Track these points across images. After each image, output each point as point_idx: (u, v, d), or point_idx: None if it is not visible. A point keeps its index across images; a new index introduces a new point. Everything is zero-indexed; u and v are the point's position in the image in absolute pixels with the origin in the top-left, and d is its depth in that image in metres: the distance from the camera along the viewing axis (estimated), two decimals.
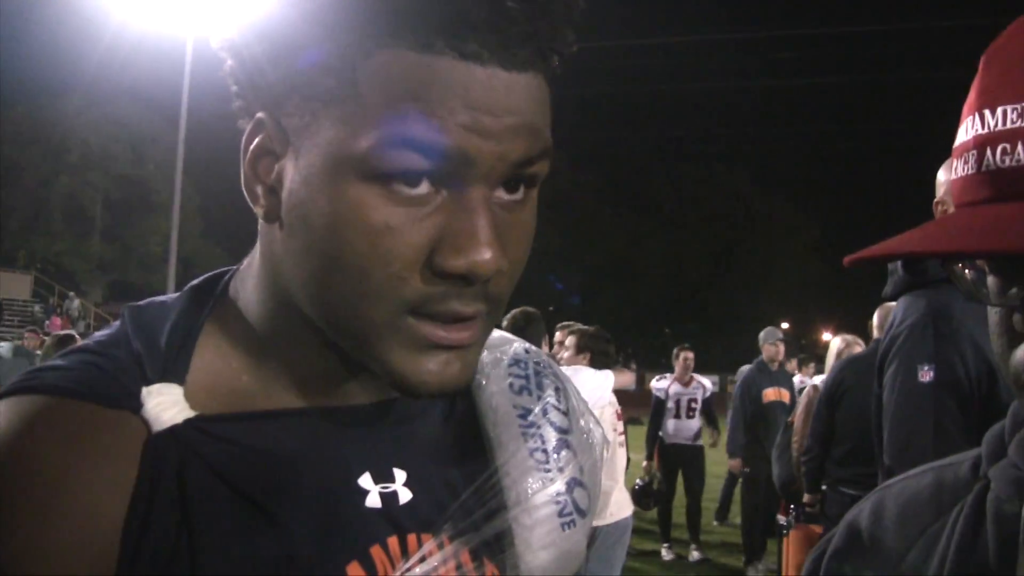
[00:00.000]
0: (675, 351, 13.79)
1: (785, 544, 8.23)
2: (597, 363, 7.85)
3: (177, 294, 1.20)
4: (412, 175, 0.99)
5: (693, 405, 13.18)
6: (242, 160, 1.08)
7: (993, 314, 1.07)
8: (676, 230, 60.32)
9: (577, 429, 1.35)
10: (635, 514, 8.66)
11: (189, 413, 1.06)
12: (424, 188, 1.00)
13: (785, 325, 66.87)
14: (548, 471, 1.27)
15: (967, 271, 1.09)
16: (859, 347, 8.77)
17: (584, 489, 1.31)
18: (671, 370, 13.64)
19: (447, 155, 0.98)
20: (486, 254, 1.00)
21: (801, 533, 7.88)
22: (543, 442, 1.29)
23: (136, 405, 1.05)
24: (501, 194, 1.04)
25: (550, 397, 1.34)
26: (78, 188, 49.77)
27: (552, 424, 1.31)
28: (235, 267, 1.23)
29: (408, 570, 1.12)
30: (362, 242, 1.00)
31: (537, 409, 1.31)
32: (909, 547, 1.24)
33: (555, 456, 1.29)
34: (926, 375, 4.46)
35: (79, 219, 51.09)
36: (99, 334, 1.14)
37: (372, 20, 0.96)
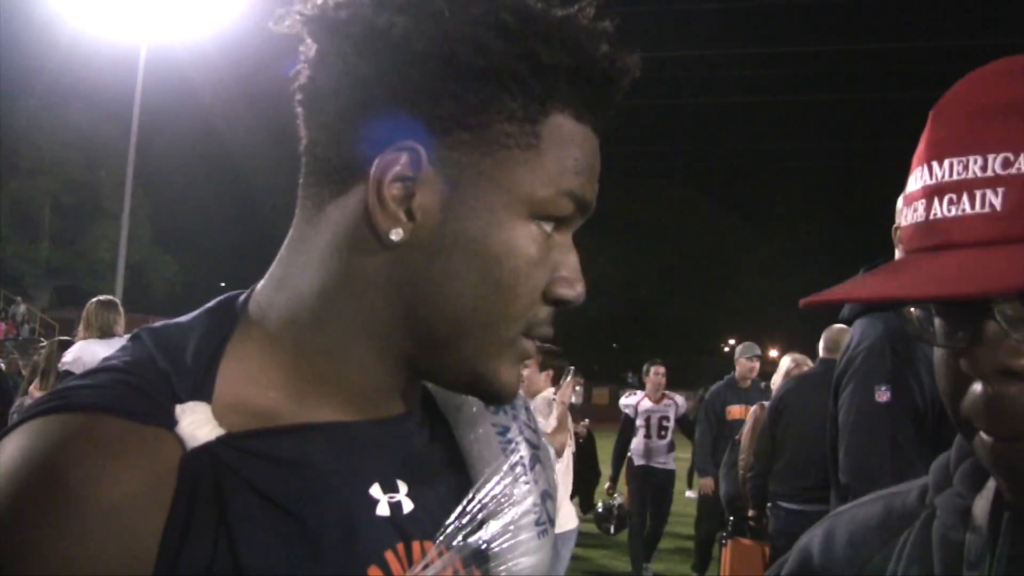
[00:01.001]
0: (645, 366, 12.83)
1: (724, 555, 8.44)
2: (556, 380, 7.96)
3: (191, 316, 1.25)
4: (562, 219, 1.21)
5: (665, 424, 12.41)
6: (375, 185, 1.16)
7: (939, 354, 1.11)
8: (627, 246, 60.58)
9: (543, 446, 1.47)
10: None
11: (220, 431, 1.11)
12: (551, 228, 1.21)
13: (732, 342, 67.39)
14: (527, 483, 1.38)
15: (916, 312, 1.13)
16: (808, 367, 8.88)
17: (552, 501, 1.43)
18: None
19: (585, 206, 1.22)
20: (584, 286, 1.24)
21: (736, 546, 8.11)
22: (521, 458, 1.40)
23: (170, 422, 1.09)
24: None
25: (522, 416, 1.46)
26: (28, 193, 49.39)
27: (526, 440, 1.43)
28: (246, 290, 1.29)
29: (419, 571, 1.20)
30: (523, 269, 1.18)
31: (514, 427, 1.43)
32: (859, 573, 1.28)
33: (531, 471, 1.40)
34: (883, 396, 4.53)
35: (28, 224, 50.71)
36: (117, 354, 1.18)
37: (552, 86, 1.16)
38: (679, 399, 12.87)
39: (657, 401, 12.50)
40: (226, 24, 31.04)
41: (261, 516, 1.09)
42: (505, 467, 1.37)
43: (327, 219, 1.21)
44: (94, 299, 9.12)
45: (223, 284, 73.81)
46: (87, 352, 9.13)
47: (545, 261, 1.20)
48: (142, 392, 1.11)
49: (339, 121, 1.19)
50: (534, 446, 1.44)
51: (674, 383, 13.20)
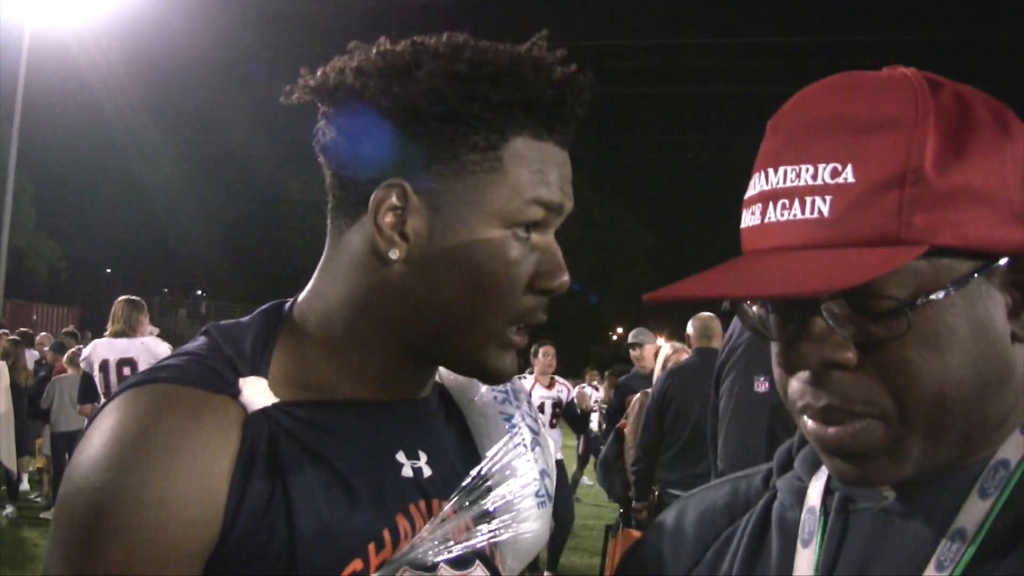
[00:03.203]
0: (534, 347, 12.01)
1: (611, 547, 8.44)
2: None
3: (248, 317, 1.58)
4: (534, 224, 1.46)
5: (557, 411, 11.78)
6: (373, 215, 1.45)
7: (774, 347, 1.19)
8: None
9: (542, 433, 1.79)
10: None
11: (274, 399, 1.44)
12: (526, 232, 1.46)
13: (620, 330, 67.52)
14: (528, 461, 1.69)
15: (753, 308, 1.21)
16: (686, 354, 8.87)
17: (550, 479, 1.73)
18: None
19: (555, 208, 1.48)
20: (567, 276, 1.50)
21: (625, 537, 8.02)
22: (523, 439, 1.72)
23: (235, 392, 1.42)
24: None
25: (524, 406, 1.79)
26: None
27: (528, 427, 1.75)
28: (293, 298, 1.60)
29: (435, 526, 1.50)
30: (502, 271, 1.45)
31: (517, 415, 1.75)
32: (705, 549, 1.38)
33: (532, 451, 1.71)
34: (761, 386, 4.68)
35: None
36: (190, 345, 1.52)
37: (507, 118, 1.43)
38: (567, 384, 12.28)
39: (548, 387, 11.84)
40: (112, 5, 30.44)
41: (308, 466, 1.41)
42: (510, 445, 1.69)
43: (347, 244, 1.51)
44: (122, 297, 9.53)
45: (108, 270, 72.16)
46: (95, 352, 9.78)
47: (525, 260, 1.46)
48: (212, 370, 1.44)
49: (342, 167, 1.50)
50: (535, 432, 1.76)
51: (563, 372, 12.54)
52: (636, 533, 7.92)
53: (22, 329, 17.30)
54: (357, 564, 1.41)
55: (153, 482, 1.31)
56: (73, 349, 14.90)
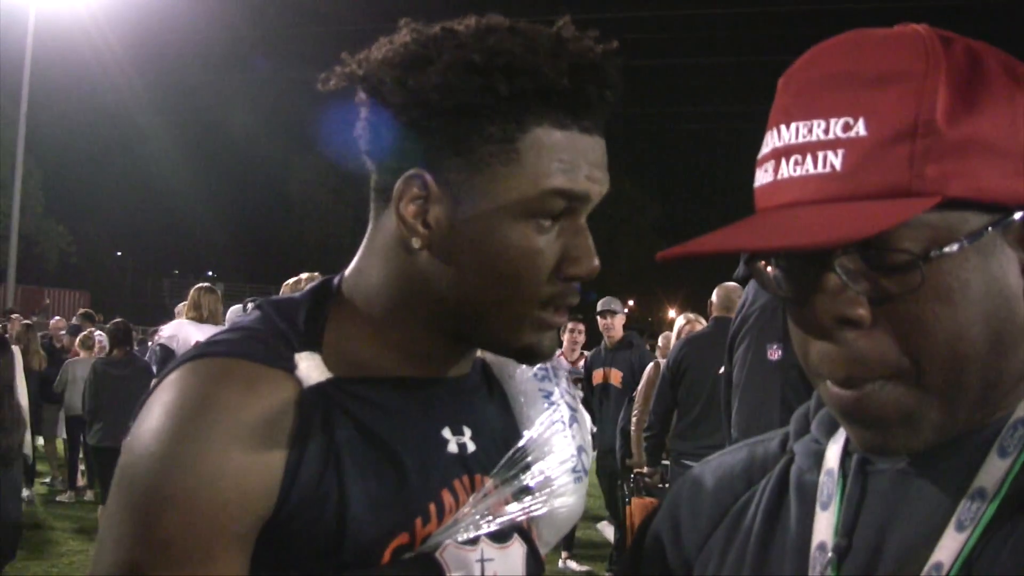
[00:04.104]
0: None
1: (628, 513, 8.51)
2: None
3: (300, 293, 1.60)
4: (556, 213, 1.46)
5: (580, 387, 10.60)
6: (396, 205, 1.48)
7: (790, 307, 1.18)
8: None
9: (580, 410, 1.82)
10: None
11: (329, 375, 1.47)
12: (554, 220, 1.46)
13: (631, 303, 67.42)
14: (566, 438, 1.73)
15: (769, 268, 1.20)
16: (700, 325, 8.89)
17: (586, 454, 1.77)
18: None
19: (579, 198, 1.46)
20: (596, 261, 1.50)
21: (640, 504, 8.12)
22: (562, 416, 1.75)
23: (290, 367, 1.45)
24: None
25: (563, 383, 1.82)
26: None
27: (567, 404, 1.79)
28: (339, 274, 1.63)
29: (478, 500, 1.55)
30: (521, 260, 1.45)
31: (556, 392, 1.79)
32: (724, 514, 1.37)
33: (570, 427, 1.75)
34: (775, 354, 4.67)
35: None
36: (243, 320, 1.55)
37: (523, 108, 1.42)
38: None
39: (574, 363, 11.78)
40: None
41: (360, 441, 1.45)
42: (548, 421, 1.73)
43: (382, 228, 1.54)
44: (199, 284, 9.84)
45: (119, 253, 72.31)
46: (182, 332, 9.94)
47: (548, 248, 1.47)
48: (267, 344, 1.47)
49: (370, 155, 1.53)
50: (573, 408, 1.79)
51: None
52: (651, 500, 7.97)
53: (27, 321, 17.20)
54: (403, 538, 1.45)
55: (211, 453, 1.34)
56: (85, 332, 14.93)
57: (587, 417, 1.86)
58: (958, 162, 1.05)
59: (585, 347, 12.20)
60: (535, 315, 1.50)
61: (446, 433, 1.57)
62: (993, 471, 1.12)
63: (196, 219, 67.07)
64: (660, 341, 11.85)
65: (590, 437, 1.83)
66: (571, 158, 1.45)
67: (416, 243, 1.48)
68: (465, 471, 1.57)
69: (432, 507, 1.49)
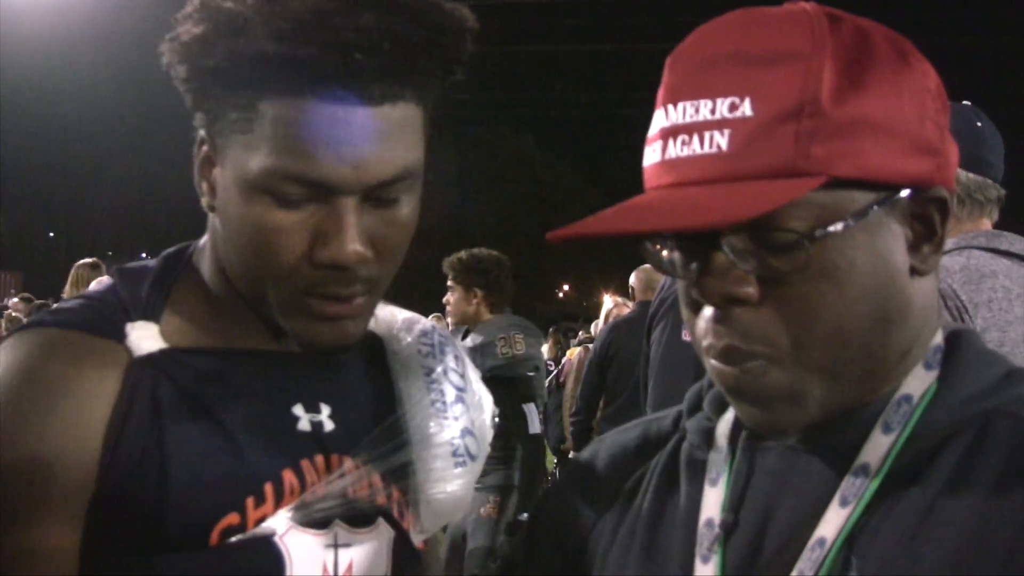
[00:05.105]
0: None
1: None
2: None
3: (154, 260, 1.53)
4: (293, 194, 1.32)
5: None
6: (194, 165, 1.43)
7: (680, 286, 1.19)
8: (461, 193, 60.25)
9: (471, 390, 1.69)
10: None
11: (163, 345, 1.41)
12: (302, 198, 1.33)
13: (566, 287, 67.59)
14: (446, 418, 1.61)
15: (658, 246, 1.19)
16: (628, 308, 8.91)
17: (474, 438, 1.64)
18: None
19: (314, 183, 1.32)
20: (349, 247, 1.34)
21: None
22: (443, 395, 1.63)
23: (121, 336, 1.39)
24: (373, 201, 1.37)
25: (450, 362, 1.68)
26: None
27: (451, 382, 1.65)
28: (197, 241, 1.55)
29: (331, 481, 1.45)
30: (260, 238, 1.35)
31: (439, 369, 1.65)
32: (617, 491, 1.38)
33: (452, 408, 1.62)
34: (689, 335, 4.72)
35: None
36: (91, 288, 1.53)
37: (262, 74, 1.29)
38: None
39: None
40: None
41: (188, 415, 1.38)
42: (427, 401, 1.61)
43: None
44: (81, 261, 9.58)
45: (51, 235, 71.49)
46: None
47: (294, 228, 1.35)
48: (100, 313, 1.42)
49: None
50: (459, 388, 1.66)
51: None
52: None
53: None
54: (233, 518, 1.38)
55: (28, 431, 1.31)
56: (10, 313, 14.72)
57: (486, 398, 1.73)
58: (844, 142, 1.06)
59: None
60: (301, 301, 1.40)
61: (297, 410, 1.48)
62: (877, 447, 1.13)
63: (131, 200, 66.44)
64: (593, 329, 11.82)
65: (483, 418, 1.70)
66: (310, 136, 1.31)
67: (204, 203, 1.45)
68: (320, 451, 1.48)
69: (269, 487, 1.41)
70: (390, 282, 1.48)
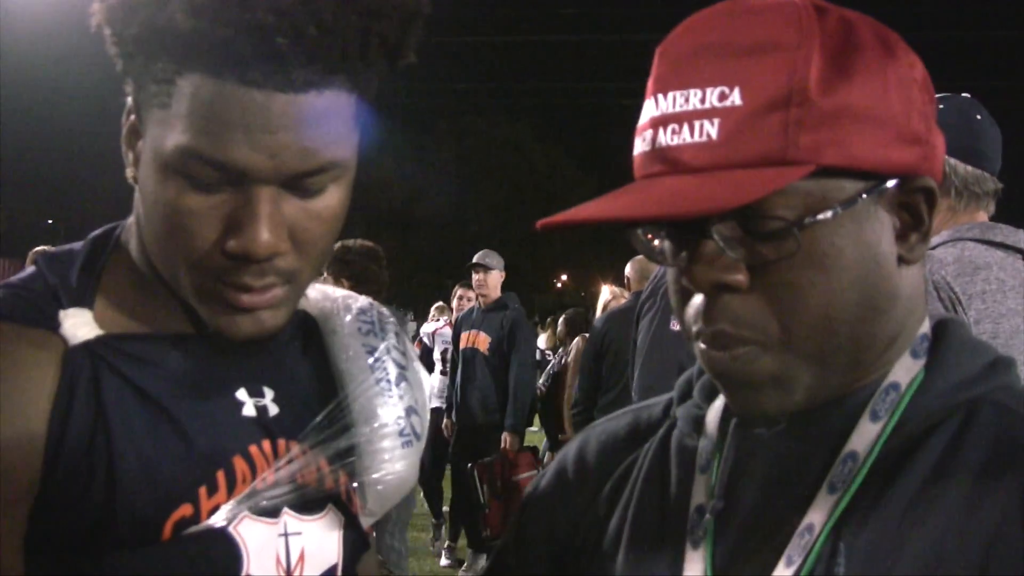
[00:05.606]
0: (455, 288, 11.08)
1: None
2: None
3: (81, 243, 1.44)
4: (205, 178, 1.25)
5: None
6: (123, 132, 1.36)
7: (670, 273, 1.20)
8: (458, 183, 60.07)
9: (412, 368, 1.65)
10: None
11: (99, 332, 1.33)
12: (216, 183, 1.25)
13: (564, 278, 67.52)
14: (391, 397, 1.57)
15: (648, 235, 1.22)
16: (625, 298, 8.89)
17: (418, 416, 1.62)
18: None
19: (226, 168, 1.23)
20: (260, 238, 1.26)
21: None
22: (387, 374, 1.59)
23: (55, 325, 1.31)
24: (294, 191, 1.30)
25: (391, 339, 1.63)
26: None
27: (394, 360, 1.61)
28: (124, 221, 1.46)
29: (280, 468, 1.41)
30: (173, 220, 1.28)
31: (381, 347, 1.61)
32: (607, 479, 1.38)
33: (396, 387, 1.59)
34: (677, 325, 4.71)
35: None
36: (17, 276, 1.40)
37: (182, 50, 1.20)
38: None
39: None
40: None
41: (132, 404, 1.32)
42: (370, 381, 1.56)
43: None
44: (36, 248, 9.50)
45: (50, 221, 71.32)
46: None
47: (206, 213, 1.27)
48: (30, 302, 1.33)
49: None
50: (401, 367, 1.62)
51: None
52: None
53: None
54: (186, 509, 1.33)
55: None
56: None
57: (423, 377, 1.69)
58: (831, 131, 1.07)
59: None
60: (215, 288, 1.32)
61: (241, 395, 1.43)
62: (865, 435, 1.14)
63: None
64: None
65: (425, 397, 1.67)
66: (225, 119, 1.22)
67: (129, 175, 1.37)
68: (266, 436, 1.43)
69: (220, 475, 1.36)
70: (316, 273, 1.42)
